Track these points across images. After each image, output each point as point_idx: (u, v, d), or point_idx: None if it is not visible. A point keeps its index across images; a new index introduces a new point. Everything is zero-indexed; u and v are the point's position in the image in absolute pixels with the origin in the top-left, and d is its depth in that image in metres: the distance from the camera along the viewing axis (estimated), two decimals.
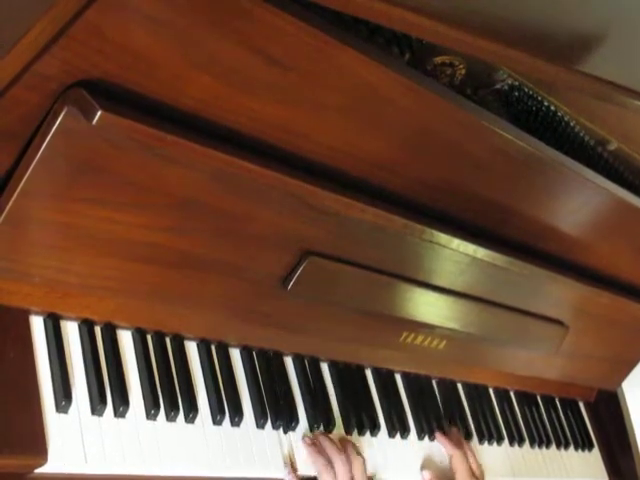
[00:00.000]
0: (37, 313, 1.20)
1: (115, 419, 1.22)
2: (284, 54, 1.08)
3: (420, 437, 1.67)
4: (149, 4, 0.96)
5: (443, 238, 1.42)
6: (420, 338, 1.62)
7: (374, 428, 1.58)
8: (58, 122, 1.01)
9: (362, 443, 1.54)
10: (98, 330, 1.26)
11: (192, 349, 1.38)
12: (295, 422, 1.45)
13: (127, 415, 1.23)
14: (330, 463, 1.40)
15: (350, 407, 1.56)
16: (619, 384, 2.22)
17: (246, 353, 1.44)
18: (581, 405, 2.24)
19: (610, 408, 2.27)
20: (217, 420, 1.34)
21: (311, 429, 1.47)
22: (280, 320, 1.42)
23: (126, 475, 1.22)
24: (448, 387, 1.82)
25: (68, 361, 1.20)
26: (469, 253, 1.48)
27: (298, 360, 1.52)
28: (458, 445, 1.68)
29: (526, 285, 1.68)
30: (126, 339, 1.29)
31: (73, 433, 1.16)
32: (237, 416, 1.36)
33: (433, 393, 1.78)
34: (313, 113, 1.17)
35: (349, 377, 1.60)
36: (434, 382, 1.79)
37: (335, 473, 1.39)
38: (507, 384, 1.98)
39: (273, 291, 1.35)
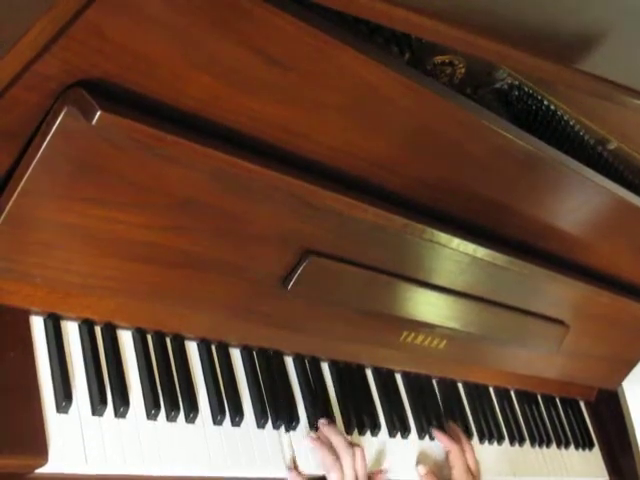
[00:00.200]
0: (37, 313, 1.20)
1: (115, 419, 1.22)
2: (284, 54, 1.08)
3: (421, 436, 1.67)
4: (149, 4, 0.96)
5: (443, 237, 1.42)
6: (420, 338, 1.62)
7: (374, 428, 1.58)
8: (58, 122, 1.01)
9: (362, 443, 1.54)
10: (98, 330, 1.26)
11: (192, 349, 1.38)
12: (295, 422, 1.45)
13: (127, 415, 1.23)
14: (337, 462, 1.40)
15: (350, 407, 1.56)
16: (619, 383, 2.23)
17: (246, 353, 1.44)
18: (581, 404, 2.24)
19: (610, 407, 2.27)
20: (217, 420, 1.34)
21: (311, 429, 1.47)
22: (280, 320, 1.42)
23: (126, 475, 1.22)
24: (448, 386, 1.82)
25: (68, 361, 1.20)
26: (469, 252, 1.48)
27: (298, 360, 1.52)
28: (455, 441, 1.68)
29: (526, 284, 1.68)
30: (126, 339, 1.29)
31: (73, 433, 1.16)
32: (237, 416, 1.36)
33: (433, 392, 1.78)
34: (313, 113, 1.17)
35: (349, 377, 1.60)
36: (434, 381, 1.79)
37: (342, 470, 1.39)
38: (507, 383, 1.98)
39: (273, 291, 1.35)
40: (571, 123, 1.56)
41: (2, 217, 1.05)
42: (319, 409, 1.50)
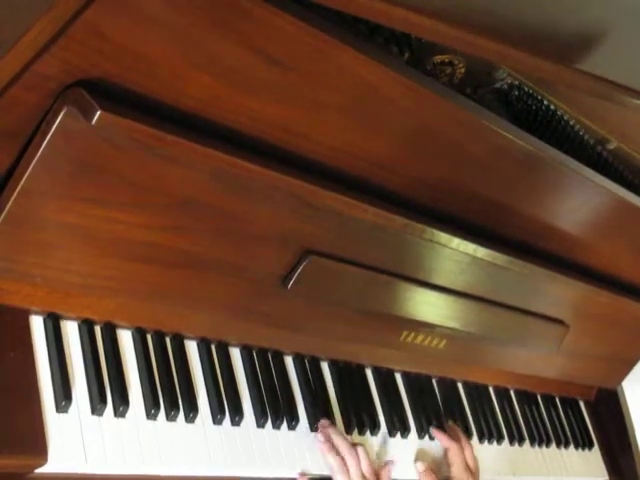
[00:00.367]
0: (37, 313, 1.20)
1: (115, 419, 1.22)
2: (284, 54, 1.08)
3: (420, 436, 1.67)
4: (149, 4, 0.96)
5: (443, 237, 1.42)
6: (420, 337, 1.62)
7: (374, 427, 1.58)
8: (58, 122, 1.01)
9: (362, 442, 1.54)
10: (98, 330, 1.26)
11: (192, 349, 1.38)
12: (295, 421, 1.45)
13: (127, 415, 1.23)
14: (344, 464, 1.40)
15: (350, 406, 1.56)
16: (619, 383, 2.23)
17: (246, 352, 1.44)
18: (581, 404, 2.24)
19: (610, 407, 2.27)
20: (217, 419, 1.34)
21: (311, 428, 1.47)
22: (280, 319, 1.42)
23: (126, 475, 1.22)
24: (448, 386, 1.82)
25: (68, 361, 1.20)
26: (469, 252, 1.48)
27: (298, 359, 1.52)
28: (454, 439, 1.68)
29: (526, 284, 1.68)
30: (126, 339, 1.29)
31: (73, 433, 1.16)
32: (237, 415, 1.36)
33: (433, 392, 1.78)
34: (313, 113, 1.17)
35: (349, 376, 1.60)
36: (434, 381, 1.79)
37: (349, 471, 1.40)
38: (507, 383, 1.98)
39: (273, 290, 1.35)
40: (571, 123, 1.56)
41: (2, 217, 1.05)
42: (319, 409, 1.50)
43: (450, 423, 1.74)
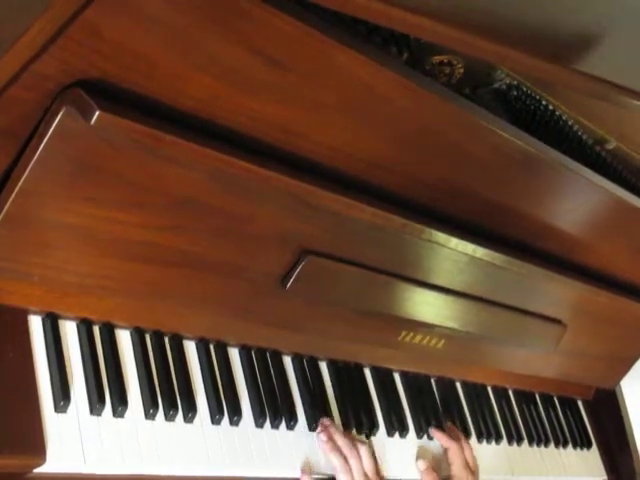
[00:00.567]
0: (36, 313, 1.20)
1: (114, 419, 1.22)
2: (283, 54, 1.08)
3: (419, 436, 1.67)
4: (148, 4, 0.96)
5: (442, 237, 1.42)
6: (419, 337, 1.63)
7: (373, 427, 1.58)
8: (56, 122, 1.01)
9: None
10: (97, 330, 1.26)
11: (191, 348, 1.38)
12: (294, 421, 1.45)
13: (126, 415, 1.24)
14: (347, 463, 1.41)
15: (349, 406, 1.56)
16: (617, 383, 2.23)
17: (245, 352, 1.44)
18: (579, 403, 2.24)
19: (608, 406, 2.27)
20: (216, 420, 1.34)
21: (310, 428, 1.47)
22: (279, 319, 1.42)
23: (125, 475, 1.22)
24: (447, 386, 1.82)
25: (67, 361, 1.20)
26: (468, 252, 1.48)
27: (297, 359, 1.53)
28: (454, 438, 1.68)
29: (524, 284, 1.68)
30: (125, 339, 1.29)
31: (72, 433, 1.16)
32: (236, 415, 1.36)
33: (432, 392, 1.78)
34: (312, 113, 1.17)
35: (348, 376, 1.60)
36: (433, 381, 1.80)
37: (352, 472, 1.40)
38: (506, 383, 1.98)
39: (272, 290, 1.35)
40: (570, 123, 1.56)
41: (0, 217, 1.05)
42: (317, 408, 1.50)
43: (449, 423, 1.74)
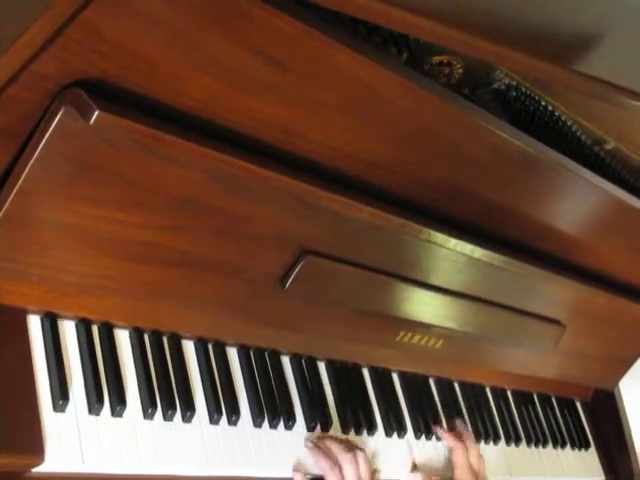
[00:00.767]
0: (34, 312, 1.20)
1: (112, 418, 1.22)
2: (283, 54, 1.08)
3: (417, 436, 1.67)
4: (148, 4, 0.96)
5: (440, 238, 1.42)
6: (417, 337, 1.63)
7: (371, 427, 1.58)
8: (56, 122, 1.01)
9: (359, 442, 1.54)
10: (95, 329, 1.26)
11: (189, 348, 1.38)
12: (292, 421, 1.45)
13: (124, 414, 1.23)
14: (335, 465, 1.40)
15: (347, 406, 1.56)
16: (616, 383, 2.23)
17: (243, 352, 1.44)
18: (578, 404, 2.24)
19: (607, 407, 2.27)
20: (214, 419, 1.34)
21: (308, 428, 1.47)
22: (277, 319, 1.42)
23: (123, 474, 1.22)
24: (445, 386, 1.82)
25: (65, 360, 1.20)
26: (466, 253, 1.48)
27: (295, 359, 1.53)
28: (459, 439, 1.68)
29: (523, 284, 1.68)
30: (123, 338, 1.29)
31: (70, 432, 1.16)
32: (234, 415, 1.36)
33: (430, 392, 1.78)
34: (312, 113, 1.17)
35: (346, 376, 1.60)
36: (431, 381, 1.80)
37: (342, 472, 1.39)
38: (504, 383, 1.98)
39: (271, 290, 1.35)
40: (568, 123, 1.57)
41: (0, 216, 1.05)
42: (316, 408, 1.50)
43: (457, 421, 1.75)
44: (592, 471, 2.16)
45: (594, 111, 1.57)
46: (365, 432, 1.57)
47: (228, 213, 1.21)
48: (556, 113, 1.54)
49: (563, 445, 2.08)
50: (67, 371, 1.19)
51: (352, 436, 1.55)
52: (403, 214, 1.36)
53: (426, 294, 1.55)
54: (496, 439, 1.86)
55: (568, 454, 2.09)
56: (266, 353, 1.48)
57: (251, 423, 1.40)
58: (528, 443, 1.97)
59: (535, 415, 2.05)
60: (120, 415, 1.23)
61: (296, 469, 1.40)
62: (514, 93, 1.50)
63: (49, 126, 1.01)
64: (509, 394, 2.00)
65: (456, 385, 1.86)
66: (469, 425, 1.79)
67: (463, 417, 1.81)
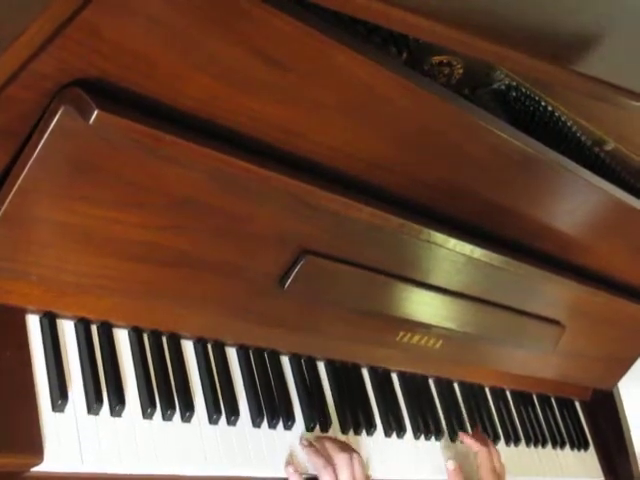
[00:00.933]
0: (33, 312, 1.20)
1: (111, 418, 1.22)
2: (283, 54, 1.07)
3: (416, 436, 1.67)
4: (147, 4, 0.96)
5: (440, 238, 1.42)
6: (416, 337, 1.62)
7: (370, 427, 1.58)
8: (55, 121, 1.01)
9: (358, 442, 1.55)
10: (94, 329, 1.26)
11: (188, 348, 1.38)
12: (291, 421, 1.45)
13: (123, 414, 1.23)
14: (329, 464, 1.39)
15: (346, 406, 1.56)
16: (615, 384, 2.23)
17: (243, 352, 1.44)
18: (577, 404, 2.24)
19: (606, 407, 2.27)
20: (213, 419, 1.34)
21: (307, 428, 1.47)
22: (277, 319, 1.42)
23: (122, 474, 1.21)
24: (444, 386, 1.82)
25: (64, 360, 1.20)
26: (466, 253, 1.48)
27: (294, 359, 1.53)
28: (483, 443, 1.69)
29: (522, 285, 1.68)
30: (122, 338, 1.29)
31: (69, 432, 1.16)
32: (233, 415, 1.36)
33: (429, 392, 1.78)
34: (312, 113, 1.17)
35: (345, 376, 1.60)
36: (430, 381, 1.80)
37: (335, 472, 1.39)
38: (503, 383, 1.98)
39: (270, 290, 1.35)
40: (568, 124, 1.56)
41: None
42: (315, 408, 1.50)
43: (476, 429, 1.77)
44: (591, 471, 2.16)
45: (594, 111, 1.57)
46: (364, 432, 1.57)
47: (227, 213, 1.21)
48: (556, 113, 1.54)
49: (562, 445, 2.08)
50: (66, 371, 1.19)
51: (351, 436, 1.55)
52: (402, 214, 1.36)
53: (426, 294, 1.55)
54: (495, 439, 1.86)
55: (567, 454, 2.09)
56: (265, 353, 1.48)
57: (250, 423, 1.40)
58: (527, 443, 1.97)
59: (534, 415, 2.05)
60: (119, 415, 1.23)
61: (295, 470, 1.40)
62: (514, 93, 1.50)
63: (48, 126, 1.01)
64: (508, 394, 2.00)
65: (455, 385, 1.86)
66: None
67: (462, 417, 1.81)
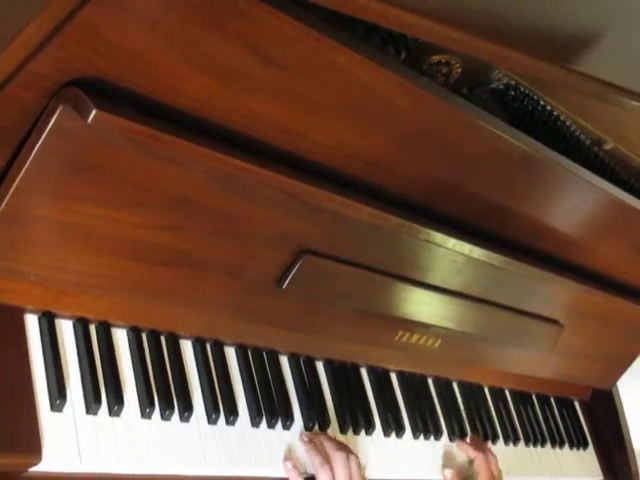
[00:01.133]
0: (32, 311, 1.20)
1: (110, 418, 1.22)
2: (281, 53, 1.07)
3: (415, 436, 1.67)
4: (145, 3, 0.96)
5: (439, 237, 1.42)
6: (415, 337, 1.62)
7: (369, 427, 1.58)
8: (53, 121, 1.01)
9: (357, 442, 1.54)
10: (93, 329, 1.26)
11: (187, 348, 1.37)
12: (290, 421, 1.45)
13: (122, 414, 1.23)
14: (327, 461, 1.39)
15: (345, 406, 1.56)
16: (614, 383, 2.23)
17: (241, 352, 1.44)
18: (576, 404, 2.24)
19: (605, 407, 2.27)
20: (212, 419, 1.34)
21: (306, 428, 1.47)
22: (275, 319, 1.41)
23: (121, 474, 1.21)
24: (443, 386, 1.82)
25: (63, 360, 1.20)
26: (465, 252, 1.48)
27: (293, 359, 1.52)
28: (480, 449, 1.70)
29: (522, 284, 1.68)
30: (121, 338, 1.29)
31: (68, 432, 1.16)
32: (232, 415, 1.36)
33: (428, 392, 1.78)
34: (310, 112, 1.17)
35: (344, 376, 1.60)
36: (429, 381, 1.79)
37: (332, 470, 1.39)
38: (502, 383, 1.98)
39: (269, 290, 1.35)
40: (567, 123, 1.56)
41: None
42: (314, 408, 1.50)
43: (472, 435, 1.77)
44: (590, 471, 2.16)
45: (593, 111, 1.57)
46: (363, 432, 1.57)
47: (226, 213, 1.21)
48: (555, 113, 1.54)
49: (561, 445, 2.08)
50: (64, 370, 1.19)
51: (350, 436, 1.55)
52: (401, 214, 1.36)
53: (425, 294, 1.55)
54: (494, 439, 1.86)
55: (566, 454, 2.09)
56: (264, 353, 1.48)
57: (249, 423, 1.40)
58: (526, 443, 1.97)
59: (533, 415, 2.04)
60: (118, 415, 1.23)
61: (290, 467, 1.39)
62: (513, 93, 1.50)
63: (46, 125, 1.01)
64: (507, 394, 2.00)
65: (454, 385, 1.86)
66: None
67: (461, 417, 1.81)
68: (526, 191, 1.52)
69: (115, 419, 1.22)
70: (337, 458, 1.39)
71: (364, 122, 1.23)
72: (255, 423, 1.40)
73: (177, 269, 1.23)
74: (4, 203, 1.04)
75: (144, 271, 1.20)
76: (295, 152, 1.21)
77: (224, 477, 1.34)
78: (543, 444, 2.02)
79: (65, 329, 1.23)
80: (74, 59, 0.97)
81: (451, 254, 1.50)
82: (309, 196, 1.23)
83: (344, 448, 1.43)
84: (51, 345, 1.19)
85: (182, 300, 1.28)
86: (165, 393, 1.29)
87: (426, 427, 1.70)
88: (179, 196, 1.15)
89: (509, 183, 1.48)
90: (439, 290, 1.56)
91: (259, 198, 1.22)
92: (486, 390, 1.94)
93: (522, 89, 1.50)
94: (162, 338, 1.34)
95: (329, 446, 1.42)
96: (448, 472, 1.64)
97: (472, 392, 1.89)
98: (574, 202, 1.60)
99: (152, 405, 1.26)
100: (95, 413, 1.20)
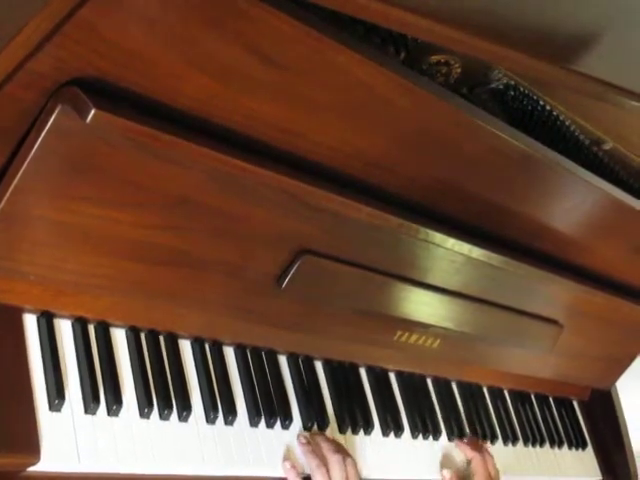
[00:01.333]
0: (31, 311, 1.20)
1: (108, 418, 1.22)
2: (281, 53, 1.07)
3: (414, 436, 1.67)
4: (145, 3, 0.96)
5: (438, 237, 1.42)
6: (414, 337, 1.62)
7: (368, 427, 1.58)
8: (52, 120, 1.01)
9: (356, 442, 1.54)
10: (92, 328, 1.26)
11: (186, 347, 1.37)
12: (289, 421, 1.45)
13: (120, 414, 1.23)
14: (323, 464, 1.39)
15: (344, 406, 1.56)
16: (613, 383, 2.23)
17: (240, 351, 1.44)
18: (575, 404, 2.24)
19: (604, 407, 2.27)
20: (211, 419, 1.34)
21: (305, 428, 1.47)
22: (274, 318, 1.41)
23: (119, 474, 1.21)
24: (442, 386, 1.82)
25: (61, 359, 1.20)
26: (464, 252, 1.48)
27: (292, 359, 1.52)
28: (477, 449, 1.70)
29: (521, 284, 1.68)
30: (120, 337, 1.29)
31: (66, 432, 1.16)
32: (231, 415, 1.36)
33: (427, 392, 1.78)
34: (309, 112, 1.17)
35: (343, 376, 1.60)
36: (428, 381, 1.79)
37: (329, 473, 1.39)
38: (501, 383, 1.98)
39: (268, 289, 1.35)
40: (567, 123, 1.56)
41: None
42: (313, 408, 1.50)
43: (469, 435, 1.77)
44: (589, 471, 2.16)
45: (592, 111, 1.57)
46: (362, 432, 1.57)
47: (225, 212, 1.21)
48: (554, 113, 1.54)
49: (560, 445, 2.08)
50: (63, 370, 1.19)
51: (349, 436, 1.54)
52: (401, 214, 1.36)
53: (424, 294, 1.55)
54: (493, 439, 1.86)
55: (565, 454, 2.09)
56: (263, 352, 1.48)
57: (248, 422, 1.40)
58: (525, 443, 1.97)
59: (532, 415, 2.05)
60: (116, 414, 1.23)
61: (289, 467, 1.39)
62: (512, 92, 1.50)
63: (45, 124, 1.01)
64: (506, 394, 2.00)
65: (453, 385, 1.86)
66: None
67: (460, 417, 1.81)
68: (525, 191, 1.52)
69: (114, 419, 1.22)
70: (334, 461, 1.39)
71: (364, 122, 1.23)
72: (254, 423, 1.40)
73: (177, 269, 1.23)
74: (3, 202, 1.04)
75: (144, 271, 1.20)
76: (295, 152, 1.21)
77: (223, 477, 1.34)
78: (542, 444, 2.02)
79: (64, 329, 1.23)
80: (73, 59, 0.97)
81: (450, 254, 1.50)
82: (309, 196, 1.23)
83: (341, 451, 1.43)
84: (50, 345, 1.19)
85: (182, 300, 1.28)
86: (164, 393, 1.29)
87: (425, 427, 1.70)
88: (179, 196, 1.15)
89: (509, 183, 1.48)
90: (438, 290, 1.56)
91: (259, 198, 1.22)
92: (485, 390, 1.94)
93: (522, 89, 1.50)
94: (161, 338, 1.34)
95: (326, 448, 1.42)
96: (446, 472, 1.65)
97: (471, 392, 1.89)
98: (573, 202, 1.60)
99: (151, 405, 1.26)
100: (94, 413, 1.20)
